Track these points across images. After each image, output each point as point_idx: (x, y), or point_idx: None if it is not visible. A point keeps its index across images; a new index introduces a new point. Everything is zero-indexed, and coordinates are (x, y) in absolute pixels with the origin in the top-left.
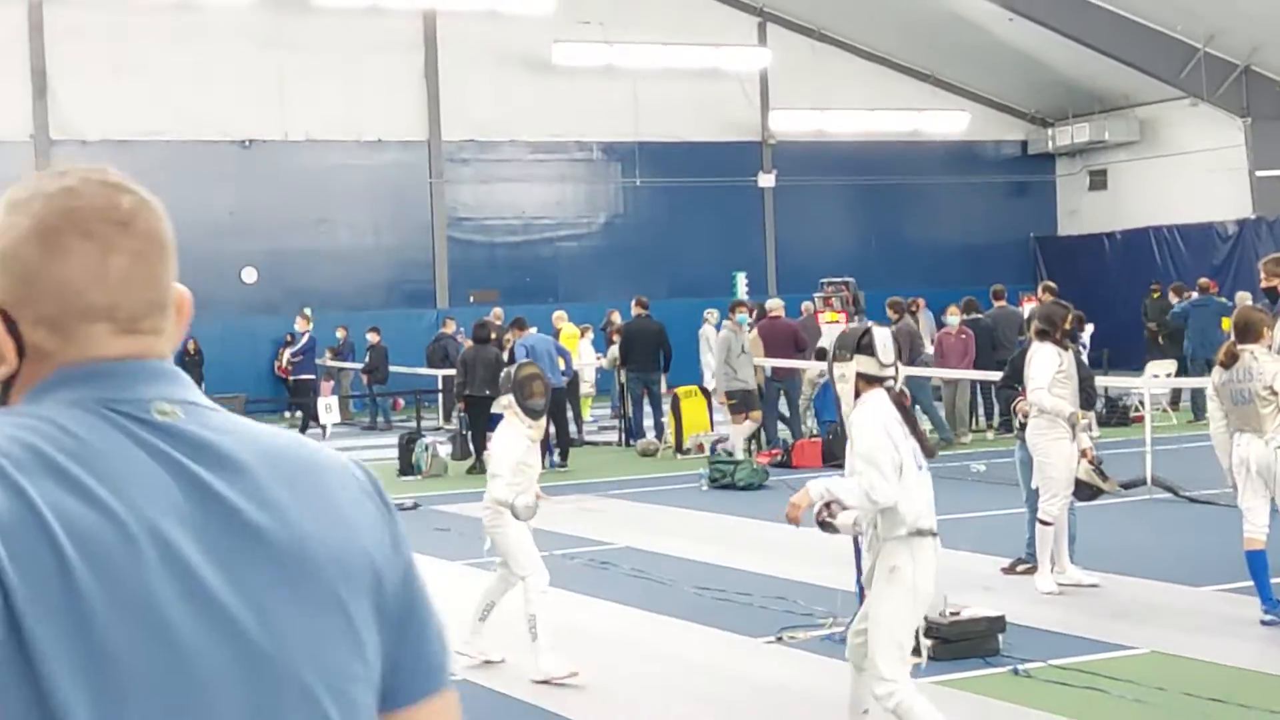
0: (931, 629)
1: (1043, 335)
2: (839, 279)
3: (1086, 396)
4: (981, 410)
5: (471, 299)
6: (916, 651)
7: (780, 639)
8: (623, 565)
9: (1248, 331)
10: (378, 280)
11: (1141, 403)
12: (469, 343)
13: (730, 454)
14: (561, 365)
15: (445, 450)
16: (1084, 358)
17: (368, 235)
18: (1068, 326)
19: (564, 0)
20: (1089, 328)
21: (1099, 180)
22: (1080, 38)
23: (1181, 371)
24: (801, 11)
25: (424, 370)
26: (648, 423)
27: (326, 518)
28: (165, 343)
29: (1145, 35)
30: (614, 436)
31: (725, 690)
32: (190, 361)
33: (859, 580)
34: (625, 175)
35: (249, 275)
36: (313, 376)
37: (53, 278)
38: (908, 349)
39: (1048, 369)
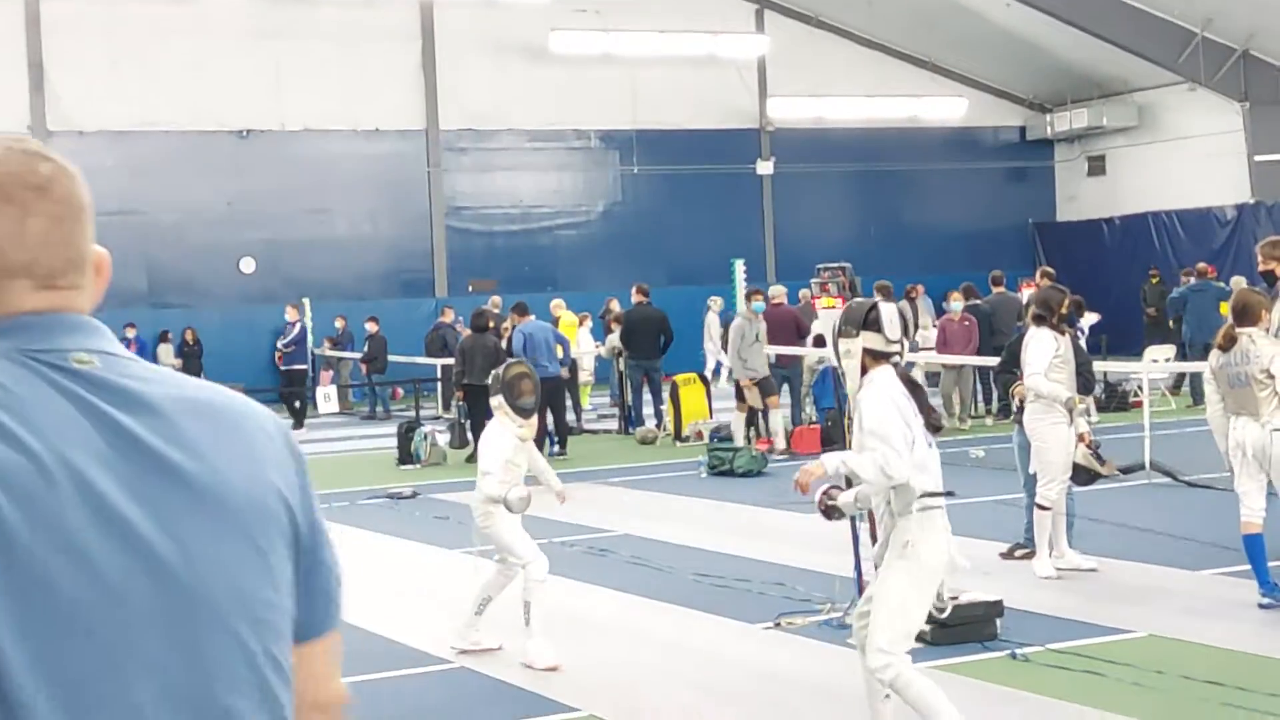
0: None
1: (1040, 320)
2: (835, 264)
3: (1084, 381)
4: (980, 396)
5: (470, 288)
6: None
7: (778, 625)
8: (621, 552)
9: (1246, 314)
10: (376, 270)
11: (1140, 388)
12: (467, 332)
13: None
14: (560, 353)
15: (444, 439)
16: (1082, 342)
17: (366, 225)
18: (1064, 311)
19: None
20: (1092, 316)
21: (1097, 166)
22: (1078, 23)
23: (1180, 356)
24: None
25: (423, 359)
26: (647, 410)
27: (242, 459)
28: (84, 298)
29: (1143, 20)
30: (613, 424)
31: (723, 676)
32: (189, 351)
33: (857, 566)
34: (623, 163)
35: (247, 265)
36: (304, 366)
37: None
38: None
39: (1045, 354)
